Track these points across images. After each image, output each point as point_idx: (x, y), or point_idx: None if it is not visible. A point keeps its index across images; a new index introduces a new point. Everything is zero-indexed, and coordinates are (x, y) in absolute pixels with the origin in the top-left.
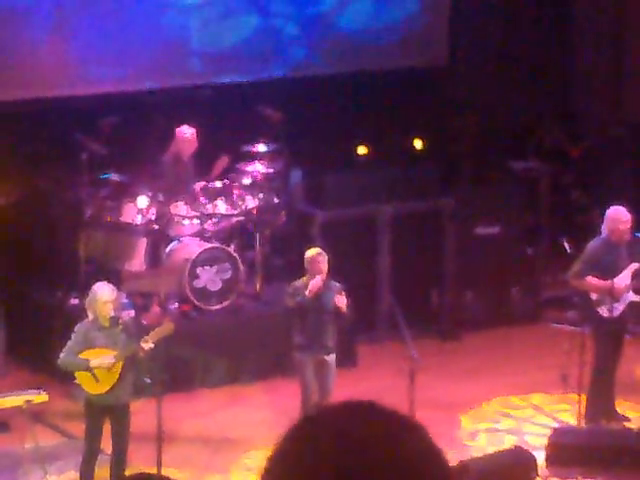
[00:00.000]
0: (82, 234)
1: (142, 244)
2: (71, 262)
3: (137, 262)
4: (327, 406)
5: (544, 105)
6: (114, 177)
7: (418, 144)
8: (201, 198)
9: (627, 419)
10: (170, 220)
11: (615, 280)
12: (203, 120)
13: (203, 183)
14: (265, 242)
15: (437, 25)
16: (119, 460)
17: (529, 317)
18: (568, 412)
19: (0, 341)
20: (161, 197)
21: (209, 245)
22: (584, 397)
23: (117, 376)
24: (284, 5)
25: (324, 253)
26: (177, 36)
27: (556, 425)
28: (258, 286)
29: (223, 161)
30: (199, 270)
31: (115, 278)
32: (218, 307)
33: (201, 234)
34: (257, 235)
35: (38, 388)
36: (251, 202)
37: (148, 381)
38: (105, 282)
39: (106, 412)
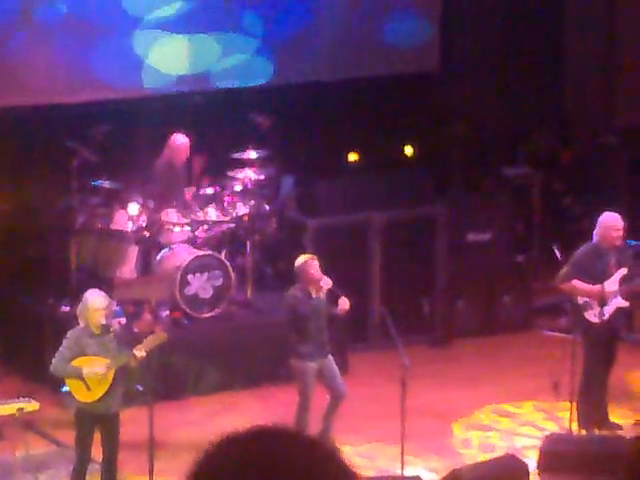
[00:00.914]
0: (73, 241)
1: (133, 251)
2: (62, 269)
3: (128, 269)
4: (233, 435)
5: (535, 112)
6: (105, 184)
7: (409, 151)
8: (192, 205)
9: (619, 427)
10: (161, 227)
11: (604, 284)
12: (194, 127)
13: (193, 189)
14: (256, 249)
15: (429, 32)
16: (110, 468)
17: (520, 324)
18: (560, 419)
19: None
20: (152, 204)
21: (200, 252)
22: (576, 404)
23: (109, 384)
24: (275, 12)
25: (314, 257)
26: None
27: (548, 432)
28: (249, 293)
29: (201, 160)
30: (190, 277)
31: (106, 285)
32: (209, 314)
33: (192, 241)
34: (248, 242)
35: (29, 396)
36: (242, 209)
37: (140, 389)
38: (97, 290)
39: (97, 420)
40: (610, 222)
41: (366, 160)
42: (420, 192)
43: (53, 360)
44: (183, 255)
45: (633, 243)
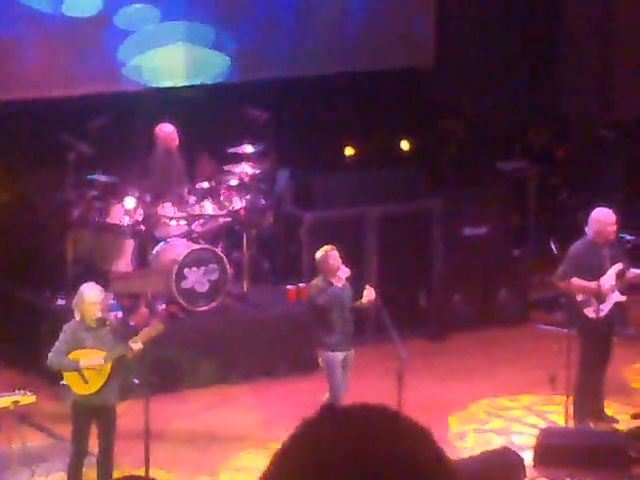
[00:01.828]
0: (69, 235)
1: (129, 245)
2: (58, 263)
3: (124, 263)
4: (336, 408)
5: (531, 106)
6: (101, 178)
7: (405, 145)
8: (188, 199)
9: (615, 420)
10: (157, 221)
11: (600, 281)
12: (190, 121)
13: (190, 185)
14: (252, 243)
15: (424, 27)
16: (106, 461)
17: (516, 318)
18: (556, 413)
19: None
20: (148, 198)
21: (196, 246)
22: (572, 398)
23: (105, 377)
24: (273, 5)
25: (333, 248)
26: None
27: (544, 426)
28: (245, 287)
29: (204, 162)
30: (186, 271)
31: (102, 279)
32: (205, 308)
33: (188, 235)
34: (244, 236)
35: (25, 389)
36: (238, 203)
37: (136, 382)
38: (93, 283)
39: (93, 413)
40: (603, 218)
41: (362, 154)
42: (416, 186)
43: (49, 353)
44: (179, 249)
45: (628, 237)
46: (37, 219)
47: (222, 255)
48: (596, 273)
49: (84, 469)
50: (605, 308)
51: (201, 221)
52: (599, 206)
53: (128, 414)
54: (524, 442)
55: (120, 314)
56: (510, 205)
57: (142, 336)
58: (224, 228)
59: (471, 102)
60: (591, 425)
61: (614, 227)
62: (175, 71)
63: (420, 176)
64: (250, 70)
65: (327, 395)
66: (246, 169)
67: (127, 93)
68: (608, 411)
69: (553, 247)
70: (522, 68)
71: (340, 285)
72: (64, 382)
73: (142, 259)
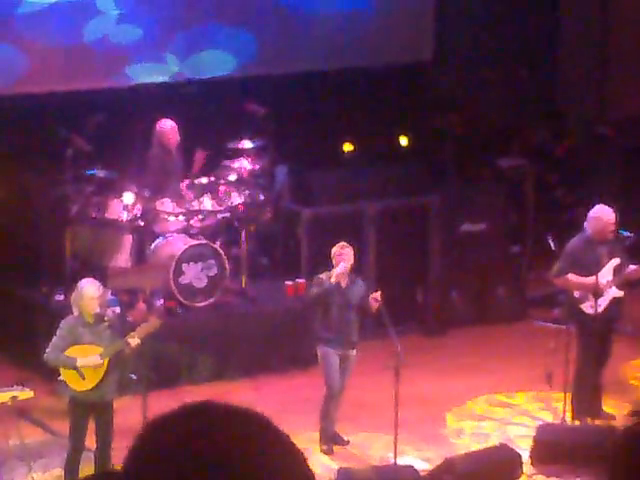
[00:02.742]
0: (67, 230)
1: (128, 240)
2: (56, 258)
3: (123, 258)
4: (174, 411)
5: (530, 103)
6: (100, 173)
7: (404, 141)
8: (187, 195)
9: (612, 417)
10: (156, 216)
11: (597, 276)
12: (188, 116)
13: (188, 180)
14: (251, 239)
15: (424, 23)
16: (103, 456)
17: (514, 315)
18: (553, 410)
19: None
20: (147, 193)
21: (195, 242)
22: (569, 395)
23: (102, 373)
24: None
25: (347, 246)
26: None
27: (541, 422)
28: (244, 282)
29: (200, 155)
30: (184, 267)
31: (100, 274)
32: (203, 304)
33: (187, 230)
34: (243, 232)
35: (23, 385)
36: (237, 198)
37: (134, 378)
38: (91, 279)
39: (90, 409)
40: (604, 217)
41: (361, 150)
42: (414, 182)
43: (47, 349)
44: (178, 244)
45: (626, 234)
46: (35, 214)
47: (220, 251)
48: (593, 269)
49: (81, 465)
50: (602, 304)
51: (200, 217)
52: (599, 204)
53: (126, 410)
54: (522, 438)
55: (118, 309)
56: (508, 202)
57: (140, 332)
58: (223, 224)
59: (470, 99)
60: (589, 421)
61: (611, 226)
62: (173, 67)
63: (419, 172)
64: (249, 66)
65: (324, 392)
66: (245, 165)
67: (126, 88)
68: (606, 408)
69: (551, 244)
70: (521, 65)
71: (341, 282)
72: (61, 378)
73: (140, 254)
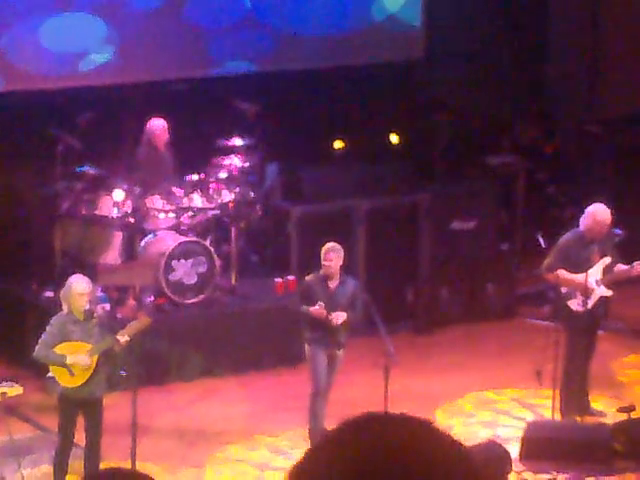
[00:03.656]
0: (58, 227)
1: (118, 237)
2: (46, 255)
3: (113, 255)
4: (359, 416)
5: (519, 101)
6: (90, 170)
7: (394, 139)
8: (177, 191)
9: (601, 414)
10: (146, 213)
11: (587, 273)
12: (179, 114)
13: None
14: (241, 236)
15: (414, 21)
16: (93, 453)
17: (504, 312)
18: (542, 407)
19: None
20: (137, 190)
21: (185, 238)
22: (558, 392)
23: (92, 370)
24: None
25: (338, 249)
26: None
27: (530, 420)
28: (233, 280)
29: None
30: (175, 263)
31: (90, 271)
32: (193, 301)
33: (177, 227)
34: (233, 229)
35: (12, 381)
36: (227, 196)
37: (123, 374)
38: (80, 275)
39: (80, 405)
40: (600, 217)
41: (351, 148)
42: (405, 180)
43: (36, 346)
44: (168, 241)
45: (617, 231)
46: (25, 211)
47: (210, 248)
48: (584, 266)
49: (71, 461)
50: (590, 301)
51: (190, 214)
52: (595, 202)
53: (115, 407)
54: (510, 435)
55: (108, 306)
56: (498, 200)
57: (129, 329)
58: (213, 221)
59: (460, 97)
60: (577, 418)
61: (607, 225)
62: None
63: (409, 170)
64: (240, 63)
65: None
66: (235, 162)
67: (115, 86)
68: (595, 405)
69: (541, 242)
70: (511, 64)
71: (330, 284)
72: (51, 374)
73: (130, 251)
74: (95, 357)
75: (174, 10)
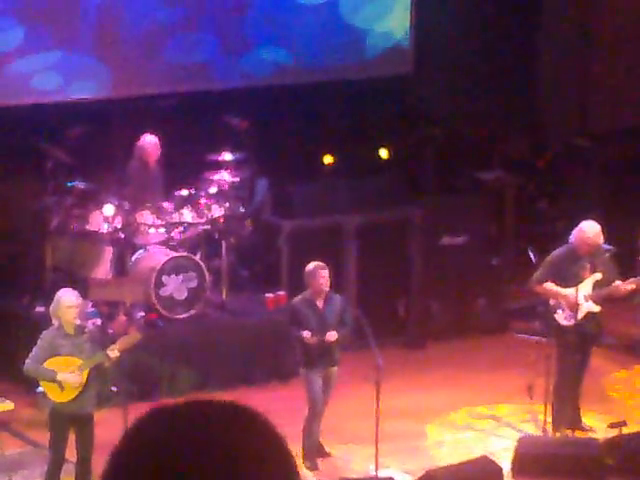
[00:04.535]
0: (48, 242)
1: (108, 252)
2: (37, 270)
3: (103, 270)
4: (164, 406)
5: (510, 115)
6: (80, 185)
7: (384, 154)
8: (167, 207)
9: (592, 429)
10: (136, 229)
11: (577, 288)
12: (169, 129)
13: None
14: (231, 251)
15: (404, 35)
16: (84, 469)
17: (495, 327)
18: (534, 422)
19: None
20: (127, 205)
21: (175, 254)
22: (550, 407)
23: (82, 385)
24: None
25: (324, 266)
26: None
27: (522, 435)
28: (224, 295)
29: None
30: (165, 279)
31: (81, 286)
32: (184, 316)
33: (167, 243)
34: (223, 244)
35: (3, 396)
36: (217, 211)
37: (114, 390)
38: (69, 289)
39: (71, 421)
40: (591, 233)
41: (341, 163)
42: (395, 195)
43: (27, 361)
44: (158, 256)
45: (606, 247)
46: (16, 226)
47: (201, 263)
48: (574, 281)
49: (62, 477)
50: (578, 315)
51: (180, 229)
52: (580, 215)
53: (106, 422)
54: (502, 451)
55: (99, 322)
56: (489, 214)
57: (120, 345)
58: (203, 236)
59: (450, 111)
60: (568, 434)
61: (598, 242)
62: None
63: (399, 185)
64: (230, 78)
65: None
66: (225, 177)
67: (106, 101)
68: (587, 420)
69: (531, 256)
70: (502, 78)
71: (318, 304)
72: (41, 389)
73: (121, 266)
74: (86, 372)
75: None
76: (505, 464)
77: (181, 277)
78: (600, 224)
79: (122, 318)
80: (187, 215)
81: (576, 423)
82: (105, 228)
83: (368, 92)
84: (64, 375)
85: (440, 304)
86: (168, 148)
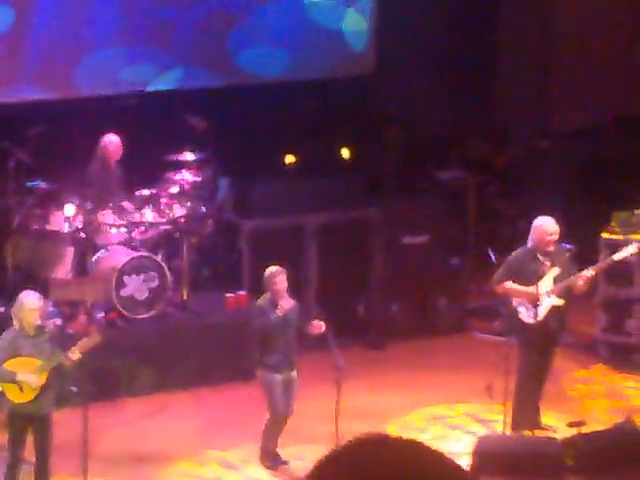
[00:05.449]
0: (9, 242)
1: (69, 252)
2: None
3: (64, 270)
4: (347, 444)
5: (470, 116)
6: (41, 185)
7: (345, 154)
8: (128, 206)
9: (551, 428)
10: (97, 228)
11: (537, 285)
12: (129, 128)
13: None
14: (192, 251)
15: (365, 37)
16: (42, 469)
17: (455, 327)
18: (493, 422)
19: None
20: (89, 205)
21: (136, 254)
22: (509, 406)
23: (41, 386)
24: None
25: (283, 271)
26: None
27: (481, 434)
28: (185, 295)
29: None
30: (126, 278)
31: (42, 286)
32: (145, 316)
33: (128, 242)
34: (184, 244)
35: None
36: (179, 211)
37: (74, 390)
38: (31, 291)
39: (29, 421)
40: (544, 227)
41: (302, 162)
42: (356, 195)
43: None
44: (119, 256)
45: (566, 246)
46: None
47: (162, 263)
48: (534, 280)
49: (21, 477)
50: (541, 313)
51: (141, 229)
52: (540, 214)
53: (66, 422)
54: (462, 450)
55: (59, 321)
56: (449, 214)
57: (80, 346)
58: (164, 236)
59: (410, 111)
60: (528, 433)
61: (554, 237)
62: (115, 79)
63: (360, 185)
64: (190, 78)
65: (267, 416)
66: (187, 177)
67: (67, 100)
68: (546, 419)
69: (492, 256)
70: (461, 78)
71: (282, 312)
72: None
73: (82, 266)
74: (45, 373)
75: (128, 22)
76: (464, 462)
77: (142, 277)
78: (560, 224)
79: (83, 318)
80: (148, 215)
81: (536, 422)
82: (66, 228)
83: (330, 92)
84: (24, 376)
85: (400, 304)
86: (129, 148)
